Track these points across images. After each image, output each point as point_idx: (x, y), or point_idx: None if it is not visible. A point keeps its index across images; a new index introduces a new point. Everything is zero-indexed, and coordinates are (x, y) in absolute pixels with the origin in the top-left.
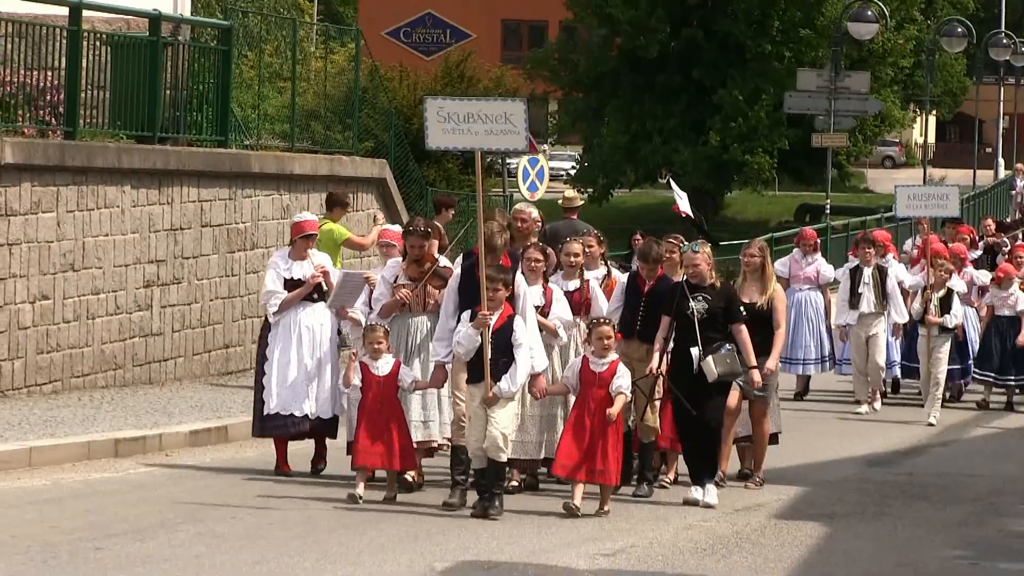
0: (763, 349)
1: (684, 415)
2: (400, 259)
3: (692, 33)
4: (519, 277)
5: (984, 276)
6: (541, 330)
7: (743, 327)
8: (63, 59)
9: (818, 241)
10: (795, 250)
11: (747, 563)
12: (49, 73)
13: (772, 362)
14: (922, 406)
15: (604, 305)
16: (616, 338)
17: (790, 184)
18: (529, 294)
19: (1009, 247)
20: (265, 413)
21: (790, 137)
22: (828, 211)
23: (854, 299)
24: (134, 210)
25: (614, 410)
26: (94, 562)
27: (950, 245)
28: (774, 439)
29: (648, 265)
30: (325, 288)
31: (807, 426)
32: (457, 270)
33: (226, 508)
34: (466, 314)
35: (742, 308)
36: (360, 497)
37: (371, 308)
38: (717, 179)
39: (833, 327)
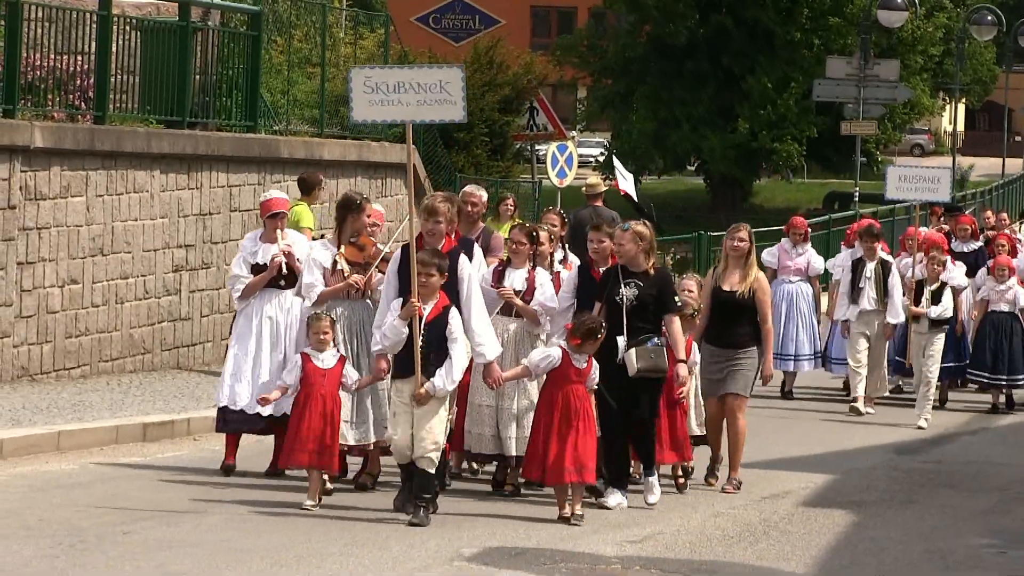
0: (746, 340)
1: (606, 409)
2: (326, 240)
3: (721, 20)
4: (464, 261)
5: (959, 276)
6: (519, 316)
7: (676, 319)
8: (93, 44)
9: (808, 230)
10: (784, 239)
11: (775, 550)
12: (79, 58)
13: (768, 367)
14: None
15: (551, 295)
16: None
17: (818, 172)
18: (475, 277)
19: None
20: (215, 405)
21: (819, 125)
22: (857, 199)
23: (855, 294)
24: (163, 195)
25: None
26: (122, 545)
27: (925, 234)
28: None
29: (598, 234)
30: (287, 272)
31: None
32: (398, 254)
33: (254, 492)
34: (396, 302)
35: (677, 298)
36: (314, 505)
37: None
38: (745, 167)
39: (833, 320)
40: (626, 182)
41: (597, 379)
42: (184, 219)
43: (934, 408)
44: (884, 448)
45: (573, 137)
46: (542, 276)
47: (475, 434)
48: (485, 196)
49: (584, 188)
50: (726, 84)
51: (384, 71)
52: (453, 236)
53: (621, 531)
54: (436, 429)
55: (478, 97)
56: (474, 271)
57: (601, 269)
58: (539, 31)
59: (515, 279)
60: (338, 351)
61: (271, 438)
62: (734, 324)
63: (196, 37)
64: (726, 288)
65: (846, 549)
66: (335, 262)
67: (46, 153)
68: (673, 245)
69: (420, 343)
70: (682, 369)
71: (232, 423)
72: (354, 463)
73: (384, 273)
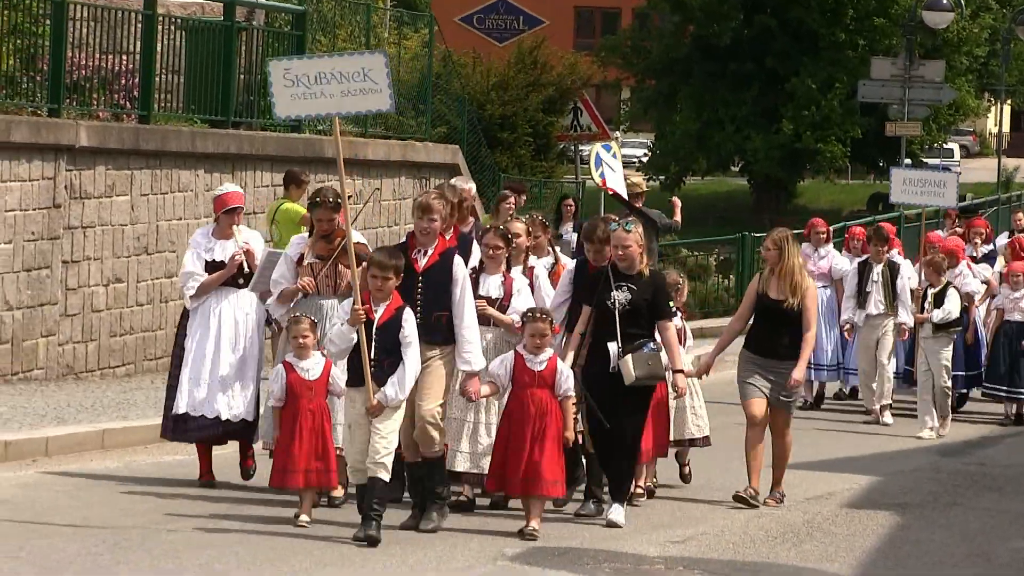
0: (786, 352)
1: (598, 426)
2: (306, 235)
3: (765, 21)
4: (458, 263)
5: (973, 282)
6: (496, 326)
7: (671, 324)
8: (138, 43)
9: (830, 231)
10: (804, 243)
11: (818, 551)
12: (124, 57)
13: (799, 372)
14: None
15: (549, 296)
16: (554, 331)
17: (863, 173)
18: (468, 282)
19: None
20: (174, 413)
21: (863, 126)
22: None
23: (861, 298)
24: (207, 194)
25: (570, 431)
26: (165, 544)
27: (946, 239)
28: (707, 441)
29: (594, 247)
30: (248, 270)
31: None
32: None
33: (296, 491)
34: (345, 304)
35: (672, 303)
36: (308, 521)
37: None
38: (789, 167)
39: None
40: (614, 176)
41: (570, 387)
42: None
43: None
44: (927, 450)
45: (616, 138)
46: (519, 281)
47: (451, 451)
48: (473, 188)
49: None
50: (770, 85)
51: (303, 62)
52: (451, 232)
53: (664, 531)
54: (389, 434)
55: (522, 97)
56: (468, 274)
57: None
58: (583, 31)
59: (490, 286)
60: (323, 355)
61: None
62: (777, 334)
63: (240, 37)
64: (772, 295)
65: (890, 551)
66: (302, 255)
67: (91, 152)
68: (716, 246)
69: (371, 351)
70: (680, 380)
71: (194, 431)
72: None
73: (348, 267)
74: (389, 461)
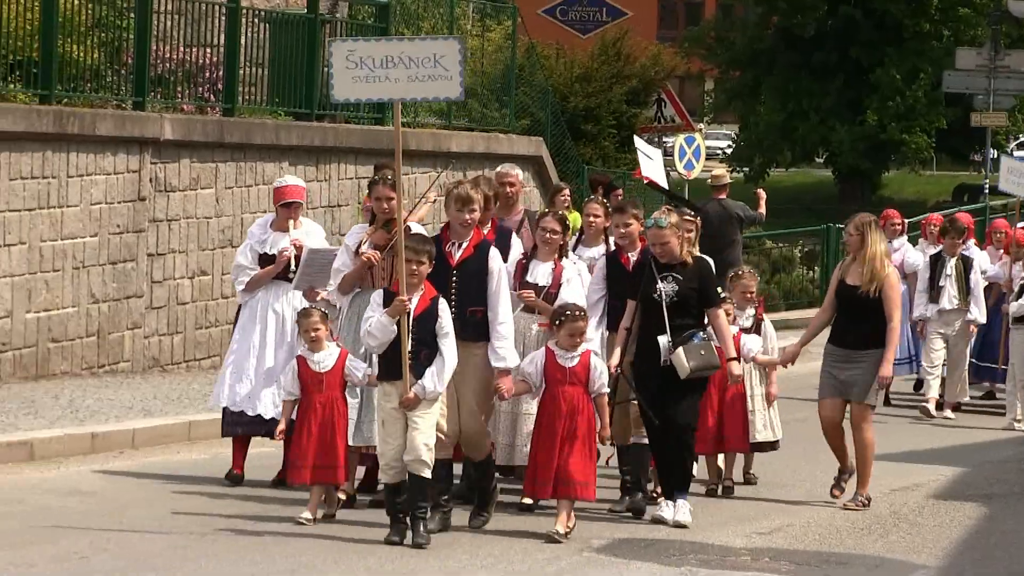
0: (870, 341)
1: (649, 422)
2: (366, 224)
3: (849, 11)
4: (494, 254)
5: None
6: (541, 314)
7: (721, 312)
8: (222, 36)
9: (905, 223)
10: None
11: (904, 543)
12: (208, 50)
13: (887, 368)
14: (1003, 413)
15: (579, 291)
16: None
17: (948, 164)
18: (505, 274)
19: None
20: (220, 407)
21: (948, 116)
22: (987, 191)
23: (934, 292)
24: None
25: (606, 430)
26: (252, 535)
27: (1015, 232)
28: (774, 445)
29: (623, 216)
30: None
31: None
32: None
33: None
34: (376, 296)
35: (720, 289)
36: (310, 519)
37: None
38: (874, 159)
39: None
40: (652, 164)
41: (604, 384)
42: (312, 211)
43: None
44: (1015, 441)
45: (700, 129)
46: (570, 270)
47: (501, 445)
48: (522, 175)
49: (709, 180)
50: (854, 76)
51: (368, 44)
52: (489, 225)
53: (750, 523)
54: (428, 429)
55: (606, 89)
56: (504, 267)
57: (630, 255)
58: (666, 23)
59: (539, 273)
60: (339, 345)
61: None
62: (856, 322)
63: (324, 29)
64: (849, 282)
65: (977, 542)
66: (360, 244)
67: (176, 145)
68: (801, 238)
69: (410, 343)
70: (735, 368)
71: (228, 426)
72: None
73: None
74: (431, 458)
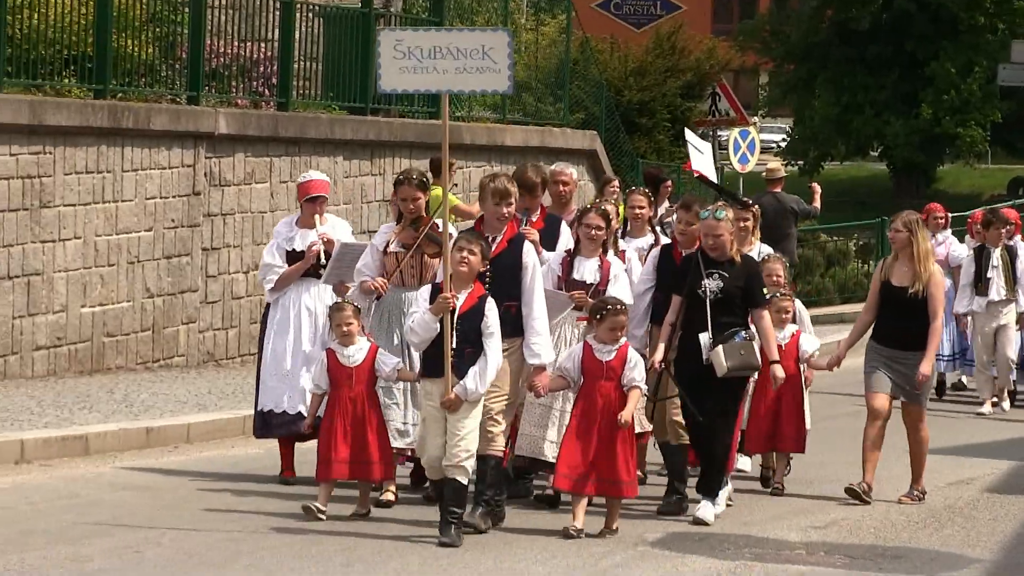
0: (913, 342)
1: (692, 418)
2: (394, 223)
3: (904, 5)
4: (528, 248)
5: None
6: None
7: (766, 314)
8: (276, 31)
9: (949, 217)
10: None
11: (959, 537)
12: (262, 45)
13: (927, 366)
14: None
15: (626, 289)
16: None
17: (1003, 157)
18: (539, 268)
19: None
20: (259, 410)
21: (1003, 109)
22: None
23: (980, 285)
24: (346, 181)
25: (627, 413)
26: (307, 531)
27: None
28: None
29: (687, 215)
30: (326, 261)
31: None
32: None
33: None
34: (423, 292)
35: (766, 290)
36: (322, 511)
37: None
38: (929, 152)
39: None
40: (702, 158)
41: (636, 377)
42: (367, 205)
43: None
44: None
45: (755, 123)
46: (617, 266)
47: (526, 435)
48: (576, 174)
49: (764, 173)
50: (909, 69)
51: (417, 34)
52: (539, 213)
53: (805, 517)
54: (469, 435)
55: (660, 83)
56: (537, 262)
57: (684, 252)
58: (721, 16)
59: (586, 270)
60: (369, 340)
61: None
62: (903, 323)
63: (378, 23)
64: (895, 283)
65: None
66: (388, 243)
67: (230, 139)
68: (856, 231)
69: (453, 341)
70: (778, 371)
71: (276, 427)
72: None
73: (433, 256)
74: (470, 464)
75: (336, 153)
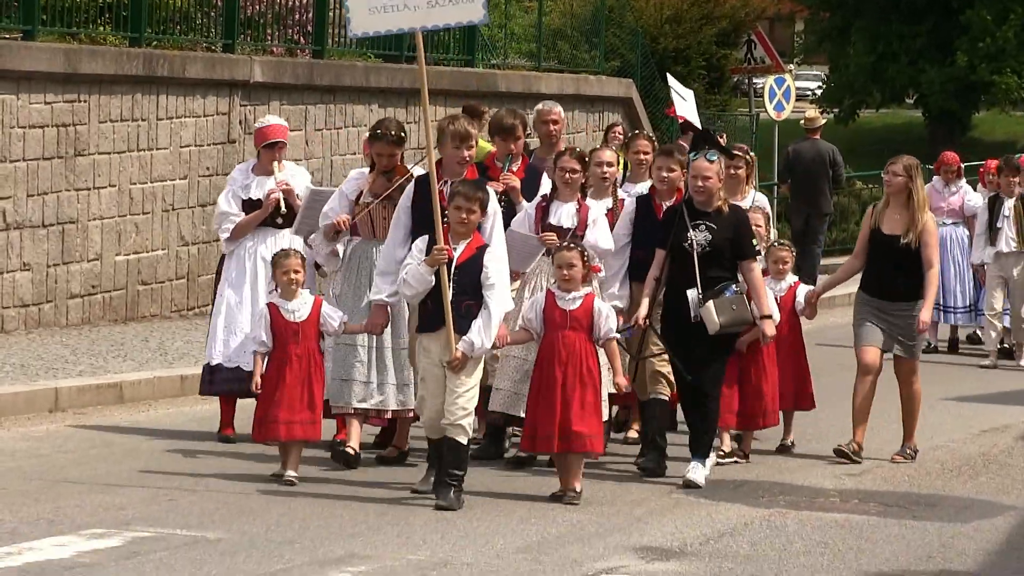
0: (908, 292)
1: (680, 377)
2: (366, 170)
3: None
4: (489, 191)
5: None
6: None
7: (755, 265)
8: None
9: (961, 167)
10: (935, 178)
11: (994, 484)
12: None
13: (926, 314)
14: None
15: (606, 234)
16: (594, 270)
17: None
18: (499, 216)
19: None
20: (207, 363)
21: None
22: None
23: (992, 234)
24: None
25: (620, 377)
26: (362, 500)
27: None
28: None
29: (668, 161)
30: (285, 210)
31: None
32: (410, 188)
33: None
34: (419, 243)
35: (755, 241)
36: (295, 479)
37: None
38: (964, 100)
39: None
40: (685, 105)
41: (612, 328)
42: (405, 152)
43: None
44: None
45: (790, 70)
46: (595, 211)
47: (501, 390)
48: (562, 112)
49: (802, 121)
50: (944, 17)
51: None
52: (520, 162)
53: (839, 465)
54: (467, 392)
55: (696, 31)
56: (499, 209)
57: (664, 204)
58: None
59: (562, 215)
60: (311, 295)
61: None
62: (894, 272)
63: None
64: (885, 230)
65: None
66: (360, 193)
67: (265, 88)
68: None
69: (450, 292)
70: (769, 327)
71: (222, 383)
72: (369, 432)
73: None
74: (469, 423)
75: (371, 101)
